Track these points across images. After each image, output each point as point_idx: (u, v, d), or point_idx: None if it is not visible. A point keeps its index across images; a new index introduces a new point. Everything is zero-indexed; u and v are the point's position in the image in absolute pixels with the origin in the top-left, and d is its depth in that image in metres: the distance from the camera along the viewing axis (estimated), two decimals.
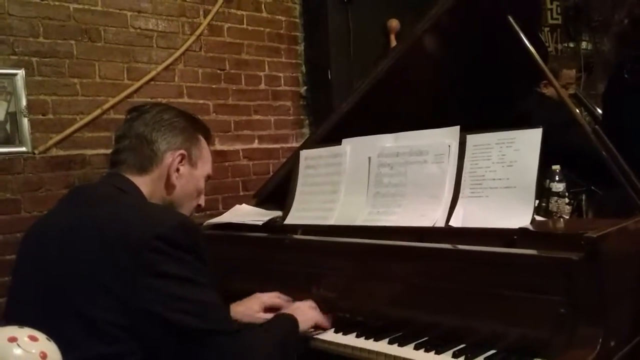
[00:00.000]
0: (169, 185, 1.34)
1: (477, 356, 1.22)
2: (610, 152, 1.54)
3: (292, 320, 1.41)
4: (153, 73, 2.83)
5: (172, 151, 1.34)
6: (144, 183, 1.31)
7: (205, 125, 1.47)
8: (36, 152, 2.48)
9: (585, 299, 1.14)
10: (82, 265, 1.13)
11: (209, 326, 1.12)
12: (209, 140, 1.46)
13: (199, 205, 1.44)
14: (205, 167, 1.43)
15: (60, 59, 2.57)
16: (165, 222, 1.15)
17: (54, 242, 1.20)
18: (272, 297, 1.62)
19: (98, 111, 2.64)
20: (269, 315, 1.52)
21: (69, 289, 1.13)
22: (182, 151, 1.35)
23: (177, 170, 1.34)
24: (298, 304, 1.52)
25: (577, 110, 1.70)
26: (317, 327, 1.48)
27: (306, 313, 1.47)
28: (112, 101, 2.68)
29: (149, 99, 2.76)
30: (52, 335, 1.02)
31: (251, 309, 1.57)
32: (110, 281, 1.09)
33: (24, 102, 2.45)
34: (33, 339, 0.95)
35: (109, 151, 1.41)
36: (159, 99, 2.82)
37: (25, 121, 2.45)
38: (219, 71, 3.11)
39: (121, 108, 2.66)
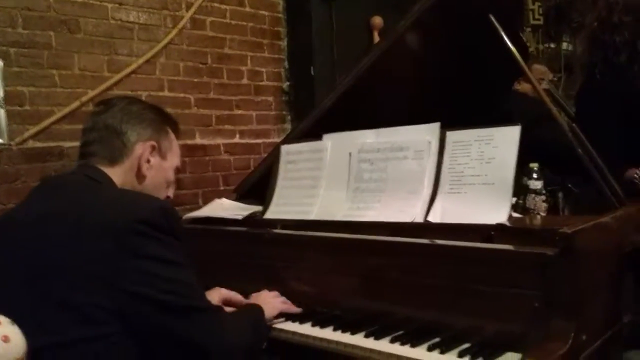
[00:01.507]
0: (140, 176, 1.36)
1: (451, 349, 1.23)
2: (586, 149, 1.57)
3: (258, 308, 1.46)
4: (134, 66, 2.80)
5: (142, 142, 1.36)
6: (115, 174, 1.33)
7: (173, 118, 1.50)
8: (12, 143, 2.44)
9: (559, 293, 1.16)
10: (62, 254, 1.14)
11: (191, 303, 1.18)
12: (177, 134, 1.49)
13: (167, 197, 1.46)
14: (174, 159, 1.45)
15: (39, 50, 2.53)
16: (146, 206, 1.19)
17: (29, 232, 1.21)
18: (232, 293, 1.63)
19: (77, 103, 2.61)
20: (227, 308, 1.55)
21: (50, 278, 1.14)
22: (152, 142, 1.38)
23: (148, 161, 1.37)
24: (261, 293, 1.57)
25: (554, 107, 1.72)
26: (285, 315, 1.52)
27: (270, 302, 1.52)
28: (91, 93, 2.65)
29: (129, 92, 2.73)
30: (35, 323, 1.07)
31: (211, 298, 1.57)
32: (93, 267, 1.11)
33: (0, 93, 2.40)
34: None
35: None
36: (140, 92, 2.79)
37: (1, 112, 2.41)
38: (200, 65, 3.09)
39: None
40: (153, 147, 1.38)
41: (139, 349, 1.15)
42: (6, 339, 0.95)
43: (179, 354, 1.19)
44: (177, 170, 1.49)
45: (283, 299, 1.56)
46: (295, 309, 1.54)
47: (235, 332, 1.27)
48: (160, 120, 1.43)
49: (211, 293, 1.61)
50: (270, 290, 1.60)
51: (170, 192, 1.47)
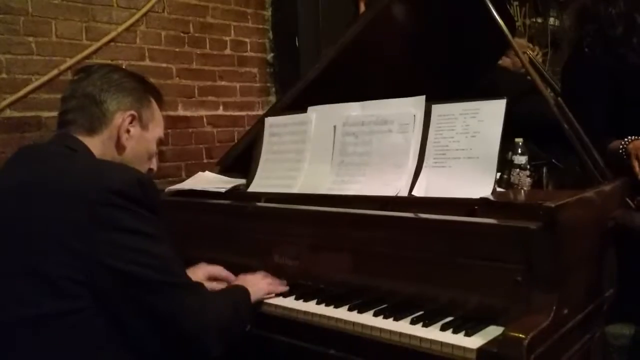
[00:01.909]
0: (120, 146, 1.33)
1: (433, 323, 1.24)
2: (571, 124, 1.56)
3: (243, 290, 1.42)
4: (113, 34, 2.72)
5: (121, 112, 1.32)
6: (93, 144, 1.29)
7: (155, 88, 1.45)
8: None
9: (541, 267, 1.17)
10: (36, 222, 1.12)
11: (167, 279, 1.14)
12: (160, 103, 1.44)
13: (150, 170, 1.43)
14: (156, 129, 1.41)
15: (15, 16, 2.44)
16: (121, 177, 1.15)
17: (4, 200, 1.18)
18: (218, 269, 1.62)
19: (55, 72, 2.53)
20: (213, 284, 1.55)
21: (23, 247, 1.12)
22: (132, 112, 1.33)
23: (128, 131, 1.33)
24: (248, 275, 1.53)
25: (540, 82, 1.71)
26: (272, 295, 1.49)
27: (257, 283, 1.48)
28: (69, 62, 2.57)
29: (108, 61, 2.66)
30: (8, 294, 1.05)
31: (195, 275, 1.56)
32: (66, 237, 1.08)
33: None
34: None
35: None
36: (120, 61, 2.72)
37: None
38: (182, 34, 3.02)
39: None
40: (133, 117, 1.33)
41: (112, 325, 1.12)
42: None
43: (153, 331, 1.15)
44: (160, 142, 1.45)
45: (270, 279, 1.53)
46: (282, 288, 1.51)
47: (215, 310, 1.23)
48: (142, 89, 1.38)
49: (195, 270, 1.59)
50: (254, 265, 1.59)
51: (154, 165, 1.44)
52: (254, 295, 1.43)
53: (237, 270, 1.60)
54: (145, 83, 1.41)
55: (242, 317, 1.35)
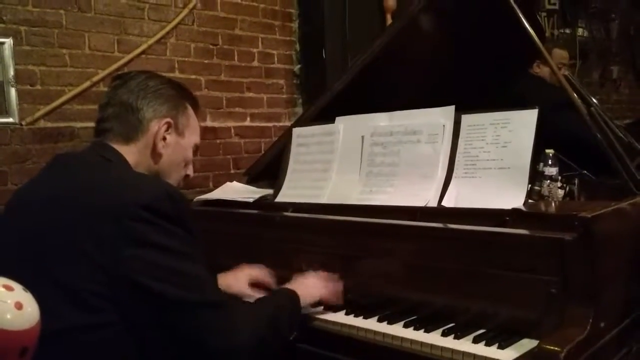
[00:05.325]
0: (156, 155, 1.31)
1: (465, 335, 1.22)
2: (605, 135, 1.54)
3: (291, 295, 1.36)
4: (144, 46, 2.77)
5: (157, 119, 1.30)
6: (130, 152, 1.28)
7: (192, 94, 1.43)
8: (23, 123, 2.43)
9: (576, 279, 1.14)
10: (64, 234, 1.10)
11: (193, 298, 1.09)
12: (197, 110, 1.42)
13: (187, 176, 1.41)
14: (192, 136, 1.39)
15: (49, 29, 2.51)
16: (151, 191, 1.12)
17: (36, 210, 1.18)
18: (261, 273, 1.61)
19: (87, 83, 2.59)
20: (254, 291, 1.54)
21: (50, 258, 1.10)
22: (168, 119, 1.32)
23: (164, 139, 1.31)
24: (303, 278, 1.46)
25: (574, 92, 1.68)
26: (326, 303, 1.44)
27: (310, 287, 1.42)
28: (101, 74, 2.63)
29: None
30: (38, 305, 0.98)
31: (239, 280, 1.57)
32: (92, 250, 1.07)
33: (11, 72, 2.39)
34: (8, 288, 0.91)
35: None
36: None
37: (12, 91, 2.40)
38: (211, 46, 3.06)
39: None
40: (169, 125, 1.32)
41: (140, 343, 1.09)
42: (19, 306, 0.90)
43: (179, 351, 1.10)
44: (197, 148, 1.42)
45: (325, 283, 1.45)
46: (337, 299, 1.44)
47: (248, 328, 1.15)
48: (179, 96, 1.36)
49: (237, 272, 1.59)
50: (280, 275, 1.58)
51: (190, 171, 1.41)
52: (305, 300, 1.37)
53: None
54: (181, 89, 1.39)
55: (282, 329, 1.27)
